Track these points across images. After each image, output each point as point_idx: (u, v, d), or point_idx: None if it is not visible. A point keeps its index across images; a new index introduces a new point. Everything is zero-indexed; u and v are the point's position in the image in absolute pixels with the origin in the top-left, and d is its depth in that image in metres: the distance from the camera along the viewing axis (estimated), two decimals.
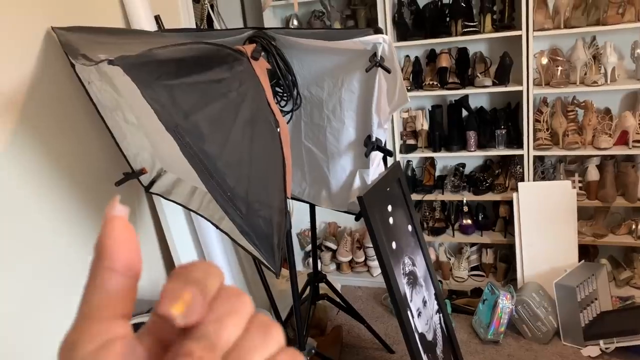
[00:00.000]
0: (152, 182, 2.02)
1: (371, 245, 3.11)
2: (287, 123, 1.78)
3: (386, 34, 2.80)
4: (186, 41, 1.27)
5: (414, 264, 1.89)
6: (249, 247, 1.36)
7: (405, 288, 1.78)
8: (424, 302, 1.91)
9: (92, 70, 1.74)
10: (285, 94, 1.73)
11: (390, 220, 1.79)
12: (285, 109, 1.78)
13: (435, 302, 2.01)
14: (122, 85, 1.73)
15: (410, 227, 1.93)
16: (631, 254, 2.90)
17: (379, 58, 1.51)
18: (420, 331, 1.80)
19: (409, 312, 1.74)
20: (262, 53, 1.60)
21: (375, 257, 3.16)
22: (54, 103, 1.75)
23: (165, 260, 2.26)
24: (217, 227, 1.74)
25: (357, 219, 1.75)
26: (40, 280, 1.64)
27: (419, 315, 1.83)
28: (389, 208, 1.80)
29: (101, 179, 1.94)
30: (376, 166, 1.75)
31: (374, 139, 1.66)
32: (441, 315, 2.03)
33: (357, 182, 1.76)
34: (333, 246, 3.33)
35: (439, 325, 2.00)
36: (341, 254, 3.28)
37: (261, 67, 1.58)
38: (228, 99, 1.39)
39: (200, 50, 1.30)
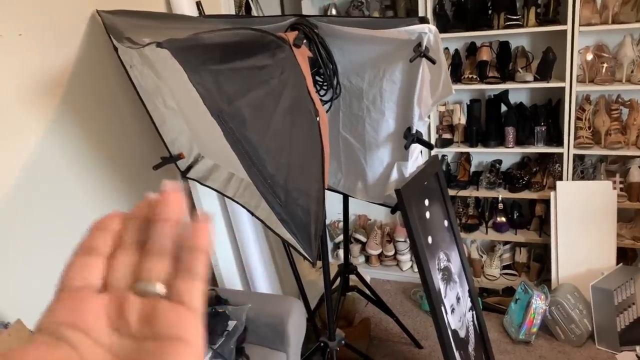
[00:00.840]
0: (189, 168, 2.03)
1: (401, 239, 3.09)
2: (326, 112, 1.77)
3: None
4: (229, 27, 1.26)
5: (449, 260, 1.86)
6: (286, 235, 1.36)
7: (439, 283, 1.75)
8: (458, 299, 1.88)
9: (134, 54, 1.76)
10: (325, 83, 1.72)
11: (427, 214, 1.77)
12: (324, 98, 1.77)
13: (469, 299, 1.98)
14: (163, 69, 1.74)
15: (446, 223, 1.90)
16: None
17: (423, 48, 1.48)
18: (453, 328, 1.78)
19: (442, 308, 1.72)
20: (304, 41, 1.59)
21: (404, 251, 3.15)
22: (96, 85, 1.77)
23: None
24: (252, 214, 1.74)
25: (393, 212, 1.73)
26: None
27: (452, 311, 1.81)
28: (426, 202, 1.78)
29: (139, 162, 1.97)
30: (415, 159, 1.73)
31: (414, 131, 1.63)
32: (474, 312, 2.00)
33: (394, 175, 1.74)
34: (363, 239, 3.31)
35: (471, 323, 1.97)
36: (371, 246, 3.26)
37: (303, 54, 1.57)
38: (270, 86, 1.38)
39: (244, 35, 1.29)
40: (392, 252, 3.23)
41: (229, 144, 1.19)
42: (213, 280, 2.28)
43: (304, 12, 2.99)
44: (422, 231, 1.68)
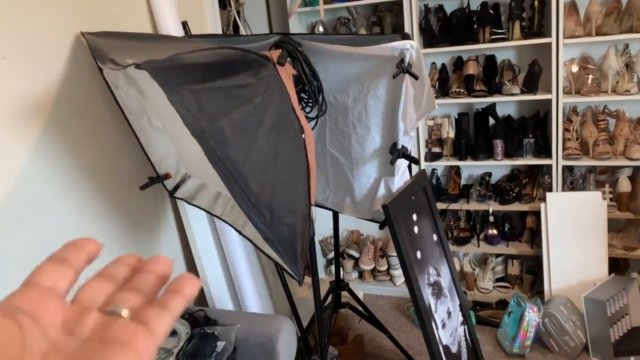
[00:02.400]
0: (177, 187, 2.02)
1: (394, 254, 3.08)
2: (312, 129, 1.77)
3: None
4: (212, 46, 1.27)
5: (438, 274, 1.85)
6: (272, 254, 1.35)
7: (429, 298, 1.74)
8: (449, 314, 1.87)
9: (119, 74, 1.76)
10: (310, 100, 1.72)
11: (415, 229, 1.76)
12: (310, 115, 1.77)
13: (460, 313, 1.97)
14: (148, 89, 1.74)
15: (435, 237, 1.90)
16: None
17: (406, 64, 1.49)
18: (444, 343, 1.76)
19: (433, 324, 1.71)
20: (288, 59, 1.59)
21: (397, 265, 3.13)
22: (81, 107, 1.77)
23: (188, 265, 2.26)
24: (240, 233, 1.73)
25: (381, 228, 1.72)
26: None
27: (443, 326, 1.79)
28: (414, 217, 1.77)
29: (126, 183, 1.96)
30: (401, 174, 1.73)
31: (399, 147, 1.63)
32: (466, 327, 1.99)
33: (381, 190, 1.74)
34: (355, 254, 3.30)
35: (463, 338, 1.95)
36: (363, 262, 3.24)
37: (287, 72, 1.57)
38: (253, 104, 1.38)
39: (226, 55, 1.30)
40: (385, 267, 3.22)
41: (211, 163, 1.18)
42: (203, 300, 2.26)
43: (292, 30, 3.01)
44: (410, 246, 1.67)
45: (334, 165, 1.87)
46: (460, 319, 1.96)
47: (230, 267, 2.24)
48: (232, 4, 3.10)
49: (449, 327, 1.85)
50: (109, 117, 1.87)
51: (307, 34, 2.70)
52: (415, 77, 1.48)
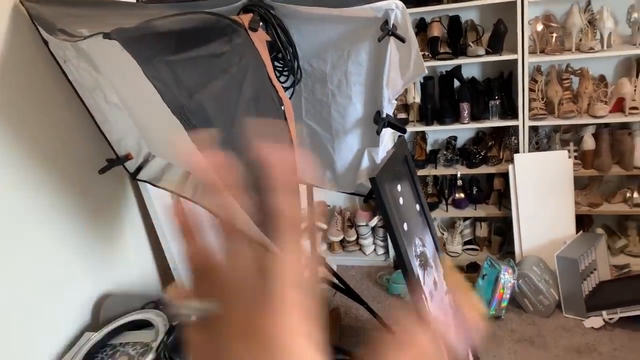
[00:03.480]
0: (139, 169, 1.86)
1: (362, 224, 3.03)
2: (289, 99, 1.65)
3: None
4: (184, 11, 1.12)
5: (424, 245, 1.80)
6: (262, 237, 1.24)
7: (417, 270, 1.69)
8: (435, 284, 1.83)
9: (67, 47, 1.57)
10: (285, 69, 1.59)
11: (401, 200, 1.69)
12: (285, 84, 1.64)
13: (444, 282, 1.93)
14: (103, 61, 1.56)
15: (418, 207, 1.84)
16: (625, 222, 2.88)
17: (391, 26, 1.39)
18: (434, 315, 1.72)
19: (423, 297, 1.66)
20: (261, 23, 1.45)
21: (366, 235, 3.09)
22: (27, 85, 1.57)
23: (154, 251, 2.11)
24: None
25: (365, 201, 1.64)
26: (28, 275, 1.49)
27: (431, 298, 1.75)
28: (399, 188, 1.70)
29: (84, 167, 1.78)
30: (385, 144, 1.64)
31: (384, 115, 1.54)
32: None
33: (365, 162, 1.65)
34: (323, 226, 3.22)
35: (449, 307, 1.92)
36: (332, 233, 3.18)
37: (260, 39, 1.43)
38: (230, 75, 1.25)
39: (199, 20, 1.15)
40: (354, 237, 3.17)
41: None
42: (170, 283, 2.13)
43: None
44: (398, 218, 1.60)
45: (312, 137, 1.76)
46: (445, 287, 1.93)
47: None
48: None
49: (436, 298, 1.81)
50: (58, 95, 1.68)
51: None
52: (402, 40, 1.38)
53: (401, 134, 1.97)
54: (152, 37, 0.98)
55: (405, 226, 1.66)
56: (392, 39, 1.41)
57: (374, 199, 1.65)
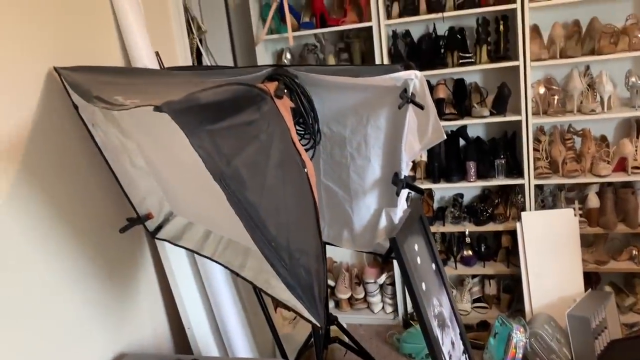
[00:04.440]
0: (159, 228, 1.89)
1: (371, 281, 3.04)
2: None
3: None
4: (222, 82, 1.19)
5: (441, 305, 1.81)
6: (290, 300, 1.26)
7: (437, 331, 1.69)
8: (452, 344, 1.83)
9: (96, 111, 1.64)
10: (306, 132, 1.66)
11: (418, 259, 1.72)
12: (305, 147, 1.70)
13: (461, 342, 1.93)
14: (130, 127, 1.63)
15: (434, 266, 1.86)
16: (632, 280, 2.90)
17: (409, 94, 1.46)
18: None
19: (442, 357, 1.66)
20: (285, 91, 1.53)
21: (375, 292, 3.09)
22: (56, 147, 1.63)
23: (169, 312, 2.11)
24: (238, 274, 1.62)
25: (384, 260, 1.67)
26: (44, 335, 1.50)
27: (450, 358, 1.75)
28: (416, 247, 1.73)
29: (105, 226, 1.81)
30: (402, 204, 1.68)
31: (402, 177, 1.59)
32: (467, 356, 1.95)
33: (383, 222, 1.69)
34: (331, 283, 3.22)
35: None
36: (340, 290, 3.18)
37: (285, 106, 1.51)
38: (260, 142, 1.30)
39: (235, 91, 1.22)
40: (362, 295, 3.16)
41: (233, 207, 1.09)
42: (187, 348, 2.12)
43: (258, 58, 2.96)
44: (417, 278, 1.63)
45: (330, 197, 1.81)
46: (462, 347, 1.93)
47: (215, 310, 2.12)
48: (195, 32, 3.01)
49: (454, 358, 1.81)
50: (85, 157, 1.74)
51: (301, 65, 2.64)
52: (421, 107, 1.45)
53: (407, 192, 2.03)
54: (197, 107, 1.04)
55: (423, 286, 1.69)
56: (410, 106, 1.48)
57: (392, 258, 1.68)
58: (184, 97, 1.01)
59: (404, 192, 1.67)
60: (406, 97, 1.45)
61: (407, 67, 1.47)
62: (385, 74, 1.48)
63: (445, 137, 1.51)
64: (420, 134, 1.54)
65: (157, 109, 0.94)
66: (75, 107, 1.64)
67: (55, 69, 1.63)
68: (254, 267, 1.57)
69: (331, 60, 2.95)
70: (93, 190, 1.79)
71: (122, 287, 1.91)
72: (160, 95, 1.32)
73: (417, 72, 1.44)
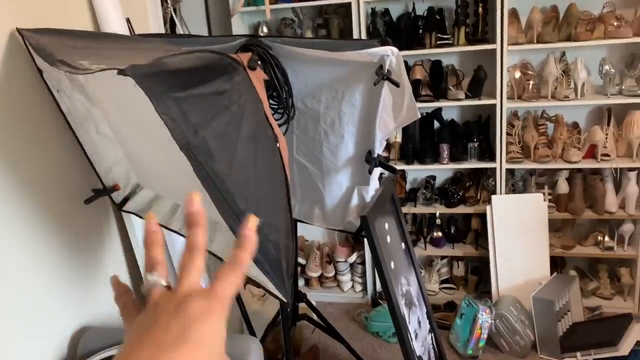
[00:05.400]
0: (126, 200, 1.85)
1: (341, 260, 3.04)
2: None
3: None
4: (192, 49, 1.14)
5: (408, 284, 1.82)
6: (257, 275, 1.24)
7: (404, 310, 1.70)
8: (419, 323, 1.85)
9: (62, 77, 1.57)
10: (280, 106, 1.62)
11: (388, 238, 1.72)
12: (278, 121, 1.67)
13: (428, 321, 1.95)
14: (97, 94, 1.57)
15: (403, 245, 1.87)
16: (596, 265, 2.97)
17: (385, 70, 1.44)
18: (418, 354, 1.73)
19: (409, 336, 1.67)
20: (259, 62, 1.49)
21: (345, 271, 3.10)
22: (18, 113, 1.56)
23: (135, 285, 2.08)
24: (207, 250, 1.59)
25: (354, 237, 1.66)
26: (4, 307, 1.45)
27: (416, 337, 1.76)
28: (386, 226, 1.73)
29: (69, 196, 1.76)
30: (375, 183, 1.67)
31: (375, 155, 1.58)
32: (433, 334, 1.97)
33: (354, 200, 1.68)
34: (302, 261, 3.22)
35: (431, 346, 1.94)
36: (310, 269, 3.18)
37: (258, 77, 1.47)
38: (231, 113, 1.27)
39: (205, 59, 1.18)
40: (332, 273, 3.17)
41: (199, 179, 1.06)
42: None
43: (234, 29, 2.89)
44: (386, 257, 1.62)
45: (302, 173, 1.78)
46: (428, 326, 1.95)
47: None
48: (169, 0, 2.92)
49: (420, 337, 1.82)
50: (49, 124, 1.67)
51: (277, 36, 2.58)
52: (397, 85, 1.43)
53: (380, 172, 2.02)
54: (165, 73, 1.00)
55: (392, 265, 1.69)
56: (386, 83, 1.46)
57: (363, 236, 1.67)
58: (151, 62, 0.96)
59: (377, 171, 1.66)
60: (382, 74, 1.43)
61: (384, 43, 1.44)
62: (361, 49, 1.45)
63: (420, 116, 1.49)
64: (395, 112, 1.52)
65: (122, 72, 0.90)
66: (40, 71, 1.57)
67: (19, 30, 1.55)
68: (222, 242, 1.54)
69: (309, 36, 2.90)
70: (58, 158, 1.73)
71: (87, 259, 1.86)
72: (127, 60, 1.27)
73: (394, 49, 1.42)
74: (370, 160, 1.56)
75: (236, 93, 1.32)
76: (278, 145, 1.42)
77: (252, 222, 0.51)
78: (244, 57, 1.45)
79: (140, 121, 1.36)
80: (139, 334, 0.41)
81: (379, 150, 1.61)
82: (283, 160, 1.41)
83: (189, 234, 0.48)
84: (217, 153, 1.14)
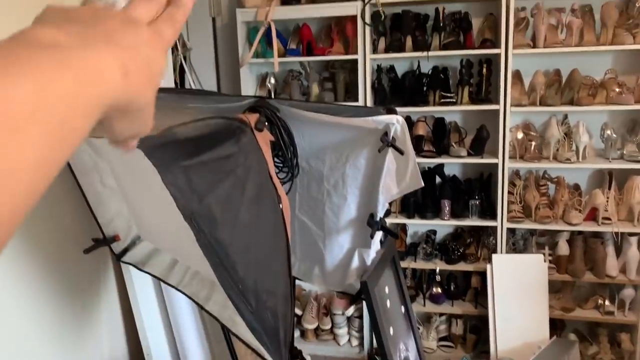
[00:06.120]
0: (125, 251, 1.84)
1: (339, 312, 3.00)
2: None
3: (365, 99, 2.78)
4: (202, 116, 1.16)
5: (407, 349, 1.79)
6: (252, 342, 1.22)
7: None
8: None
9: None
10: (284, 166, 1.63)
11: (388, 303, 1.70)
12: (281, 179, 1.68)
13: None
14: (103, 147, 1.59)
15: (403, 309, 1.84)
16: (596, 329, 2.93)
17: (390, 138, 1.45)
18: None
19: None
20: (266, 123, 1.51)
21: (342, 324, 3.06)
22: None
23: (129, 336, 2.04)
24: (202, 308, 1.58)
25: (354, 300, 1.64)
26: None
27: None
28: (386, 289, 1.71)
29: (68, 244, 1.76)
30: (377, 246, 1.67)
31: (378, 219, 1.58)
32: None
33: (355, 262, 1.67)
34: (298, 311, 3.17)
35: None
36: (307, 320, 3.13)
37: (265, 139, 1.48)
38: (236, 175, 1.28)
39: (215, 126, 1.19)
40: (328, 326, 3.12)
41: (201, 248, 1.06)
42: None
43: (242, 80, 2.94)
44: (385, 323, 1.60)
45: (303, 232, 1.78)
46: None
47: (176, 338, 2.05)
48: (179, 48, 2.98)
49: None
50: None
51: (285, 99, 2.62)
52: (401, 152, 1.44)
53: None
54: (172, 144, 1.01)
55: (391, 330, 1.66)
56: (390, 149, 1.47)
57: (362, 299, 1.65)
58: (161, 133, 0.98)
59: (378, 234, 1.66)
60: (387, 141, 1.44)
61: (390, 111, 1.46)
62: (368, 115, 1.47)
63: (423, 184, 1.50)
64: (399, 177, 1.53)
65: None
66: None
67: None
68: (220, 301, 1.52)
69: (315, 89, 2.95)
70: (59, 206, 1.73)
71: (82, 308, 1.84)
72: None
73: (399, 117, 1.44)
74: (373, 224, 1.56)
75: (242, 155, 1.33)
76: (281, 206, 1.42)
77: None
78: (252, 118, 1.46)
79: (144, 179, 1.37)
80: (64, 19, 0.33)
81: (381, 213, 1.62)
82: (285, 222, 1.41)
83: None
84: (221, 219, 1.14)
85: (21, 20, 0.34)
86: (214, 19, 3.11)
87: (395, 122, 1.43)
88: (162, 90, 1.41)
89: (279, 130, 1.54)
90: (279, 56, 2.81)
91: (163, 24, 0.39)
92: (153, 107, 0.37)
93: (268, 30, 2.78)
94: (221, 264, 1.09)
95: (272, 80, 2.95)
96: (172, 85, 2.48)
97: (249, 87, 3.00)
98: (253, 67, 3.03)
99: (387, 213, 2.90)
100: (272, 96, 2.96)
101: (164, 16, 0.40)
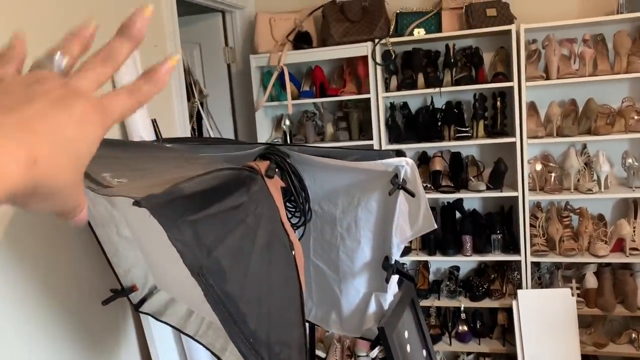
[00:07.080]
0: (143, 300, 1.84)
1: (363, 354, 2.95)
2: (299, 240, 1.67)
3: (379, 137, 2.79)
4: (210, 169, 1.17)
5: None
6: None
7: None
8: None
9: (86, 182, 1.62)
10: (296, 211, 1.63)
11: (408, 347, 1.66)
12: (294, 224, 1.68)
13: None
14: (117, 199, 1.61)
15: (424, 352, 1.80)
16: None
17: (400, 180, 1.44)
18: None
19: None
20: (277, 170, 1.52)
21: None
22: (37, 214, 1.60)
23: None
24: (218, 358, 1.56)
25: (373, 347, 1.61)
26: None
27: None
28: (406, 334, 1.67)
29: (87, 296, 1.77)
30: (393, 289, 1.64)
31: (392, 262, 1.55)
32: None
33: (372, 307, 1.64)
34: (322, 354, 3.12)
35: None
36: None
37: (275, 185, 1.49)
38: (246, 225, 1.28)
39: (223, 177, 1.20)
40: None
41: (209, 303, 1.05)
42: None
43: (258, 123, 2.98)
44: None
45: (319, 276, 1.76)
46: None
47: None
48: (196, 95, 3.05)
49: None
50: (69, 225, 1.71)
51: (295, 144, 2.65)
52: (412, 195, 1.43)
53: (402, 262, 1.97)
54: (178, 200, 1.02)
55: None
56: (401, 191, 1.46)
57: (381, 344, 1.62)
58: (167, 189, 0.99)
59: (394, 278, 1.63)
60: (397, 183, 1.43)
61: (399, 154, 1.46)
62: (377, 158, 1.47)
63: (436, 226, 1.48)
64: (412, 220, 1.51)
65: (137, 203, 0.92)
66: None
67: None
68: (236, 352, 1.50)
69: (329, 129, 2.97)
70: (77, 258, 1.75)
71: (103, 359, 1.84)
72: (148, 174, 1.31)
73: (409, 160, 1.43)
74: (388, 267, 1.54)
75: (253, 203, 1.33)
76: (294, 253, 1.41)
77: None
78: (262, 166, 1.48)
79: (156, 230, 1.38)
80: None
81: (396, 255, 1.59)
82: (298, 269, 1.40)
83: (113, 41, 0.38)
84: (230, 272, 1.13)
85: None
86: (229, 66, 3.19)
87: (404, 164, 1.42)
88: (174, 140, 1.45)
89: (289, 175, 1.55)
90: (293, 98, 2.85)
91: (120, 96, 0.37)
92: (78, 185, 0.35)
93: (281, 74, 2.83)
94: (230, 318, 1.09)
95: (287, 122, 2.98)
96: (189, 132, 2.52)
97: (264, 129, 3.03)
98: (268, 110, 3.07)
99: (408, 251, 2.88)
100: (288, 137, 2.99)
101: (127, 87, 0.38)
